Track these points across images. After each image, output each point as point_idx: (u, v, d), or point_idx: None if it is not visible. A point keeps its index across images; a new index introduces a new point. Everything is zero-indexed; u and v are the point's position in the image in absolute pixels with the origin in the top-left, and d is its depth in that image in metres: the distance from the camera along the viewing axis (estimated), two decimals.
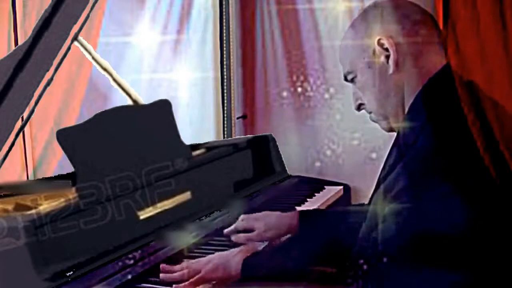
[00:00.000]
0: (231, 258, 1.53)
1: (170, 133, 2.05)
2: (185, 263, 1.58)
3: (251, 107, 3.37)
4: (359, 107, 1.44)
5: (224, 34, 3.25)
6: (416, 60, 1.33)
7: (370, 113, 1.42)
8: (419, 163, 1.29)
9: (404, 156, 1.30)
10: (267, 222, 1.78)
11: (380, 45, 1.33)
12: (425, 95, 1.31)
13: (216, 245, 1.81)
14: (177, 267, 1.57)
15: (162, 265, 1.59)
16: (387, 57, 1.33)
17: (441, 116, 1.33)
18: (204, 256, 1.71)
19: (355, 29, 1.40)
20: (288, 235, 1.79)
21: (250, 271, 1.50)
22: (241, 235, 1.79)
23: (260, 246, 1.77)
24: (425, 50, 1.34)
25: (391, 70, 1.33)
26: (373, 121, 1.44)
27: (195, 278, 1.51)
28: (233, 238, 1.79)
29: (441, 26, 1.35)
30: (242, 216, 1.83)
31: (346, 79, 1.45)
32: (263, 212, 1.82)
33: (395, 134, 1.42)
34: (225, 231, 1.84)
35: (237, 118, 3.34)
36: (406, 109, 1.34)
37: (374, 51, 1.34)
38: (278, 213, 1.81)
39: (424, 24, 1.35)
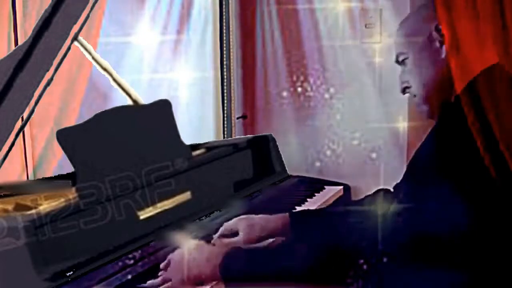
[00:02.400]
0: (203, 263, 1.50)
1: (170, 133, 2.05)
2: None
3: (251, 107, 3.37)
4: (404, 90, 1.47)
5: (224, 34, 3.25)
6: (468, 51, 1.34)
7: (414, 96, 1.45)
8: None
9: None
10: (250, 223, 1.77)
11: (437, 30, 1.37)
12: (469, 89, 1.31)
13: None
14: None
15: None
16: (441, 42, 1.36)
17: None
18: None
19: (417, 13, 1.45)
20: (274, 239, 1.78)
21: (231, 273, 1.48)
22: (225, 241, 1.75)
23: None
24: (479, 45, 1.35)
25: (443, 55, 1.36)
26: (416, 106, 1.45)
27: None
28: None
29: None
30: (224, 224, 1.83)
31: (397, 60, 1.47)
32: (246, 216, 1.82)
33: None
34: (213, 241, 1.83)
35: (237, 118, 3.34)
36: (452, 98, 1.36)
37: (430, 35, 1.38)
38: (262, 215, 1.80)
39: (482, 20, 1.36)
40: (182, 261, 1.55)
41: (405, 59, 1.44)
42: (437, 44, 1.37)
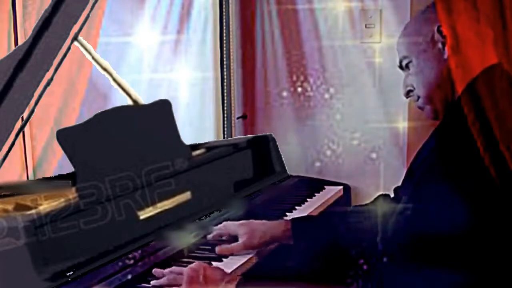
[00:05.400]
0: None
1: (170, 133, 2.05)
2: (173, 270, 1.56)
3: (251, 107, 3.37)
4: (408, 94, 1.48)
5: (224, 34, 3.25)
6: (470, 52, 1.35)
7: (417, 99, 1.46)
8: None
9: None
10: (251, 228, 1.76)
11: (439, 32, 1.38)
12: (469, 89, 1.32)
13: (216, 245, 1.80)
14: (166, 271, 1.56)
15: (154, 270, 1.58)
16: (444, 44, 1.37)
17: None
18: (203, 257, 1.71)
19: (418, 17, 1.46)
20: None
21: None
22: (224, 246, 1.75)
23: (245, 256, 1.74)
24: (481, 45, 1.35)
25: (445, 56, 1.37)
26: (419, 107, 1.47)
27: None
28: (216, 250, 1.74)
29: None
30: (224, 223, 1.83)
31: (400, 66, 1.49)
32: (247, 221, 1.81)
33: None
34: (208, 237, 1.82)
35: (237, 118, 3.34)
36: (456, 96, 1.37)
37: (432, 37, 1.40)
38: (263, 221, 1.80)
39: (482, 22, 1.37)
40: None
41: (408, 63, 1.45)
42: (440, 45, 1.38)
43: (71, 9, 1.70)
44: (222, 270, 1.53)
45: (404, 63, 1.47)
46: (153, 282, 1.55)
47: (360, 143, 3.14)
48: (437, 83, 1.40)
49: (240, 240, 1.75)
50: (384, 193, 1.74)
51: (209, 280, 1.48)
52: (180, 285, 1.49)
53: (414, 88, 1.45)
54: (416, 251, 1.22)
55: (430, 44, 1.40)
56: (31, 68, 1.67)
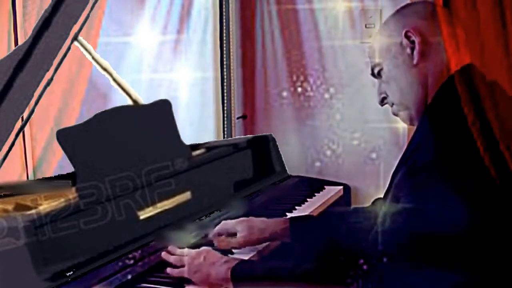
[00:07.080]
0: (217, 269, 1.53)
1: (170, 133, 2.05)
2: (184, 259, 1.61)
3: (251, 107, 3.37)
4: (382, 101, 1.49)
5: (224, 34, 3.25)
6: (440, 54, 1.35)
7: (392, 105, 1.46)
8: (419, 163, 1.29)
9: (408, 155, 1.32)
10: (250, 225, 1.77)
11: (407, 37, 1.38)
12: (445, 90, 1.33)
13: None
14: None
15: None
16: (413, 49, 1.37)
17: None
18: None
19: (385, 24, 1.46)
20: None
21: (240, 278, 1.49)
22: (223, 238, 1.78)
23: (247, 254, 1.75)
24: (449, 47, 1.36)
25: (415, 61, 1.37)
26: (394, 114, 1.48)
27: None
28: (215, 242, 1.77)
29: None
30: (223, 222, 1.83)
31: (373, 73, 1.49)
32: (246, 218, 1.82)
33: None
34: (209, 235, 1.83)
35: (237, 118, 3.34)
36: (429, 101, 1.37)
37: (401, 43, 1.39)
38: (262, 218, 1.81)
39: (450, 24, 1.37)
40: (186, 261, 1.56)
41: (380, 70, 1.45)
42: (408, 50, 1.38)
43: (71, 9, 1.70)
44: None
45: (376, 70, 1.46)
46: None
47: (360, 143, 3.14)
48: (409, 89, 1.39)
49: (239, 236, 1.76)
50: (380, 197, 1.74)
51: (209, 258, 1.55)
52: (183, 265, 1.57)
53: (388, 96, 1.45)
54: (416, 251, 1.22)
55: (399, 50, 1.39)
56: (31, 68, 1.67)
